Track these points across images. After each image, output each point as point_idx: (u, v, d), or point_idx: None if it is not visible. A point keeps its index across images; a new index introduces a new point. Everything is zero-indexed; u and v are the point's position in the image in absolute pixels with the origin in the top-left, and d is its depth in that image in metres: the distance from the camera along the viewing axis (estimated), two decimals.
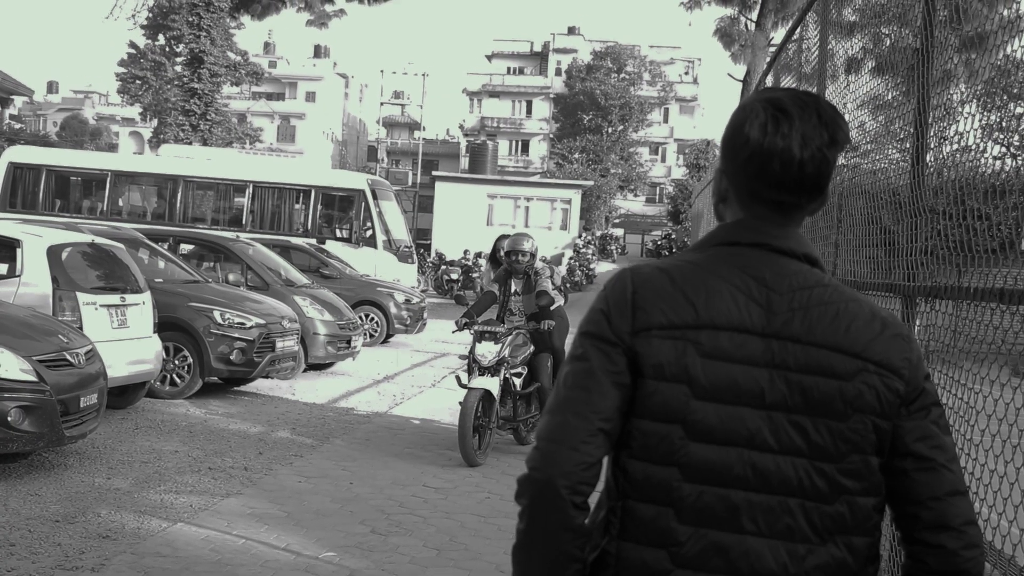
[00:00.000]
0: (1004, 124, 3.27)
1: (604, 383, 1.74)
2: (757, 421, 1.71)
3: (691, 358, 1.73)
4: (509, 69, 76.91)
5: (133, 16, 41.55)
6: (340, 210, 23.07)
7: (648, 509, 1.73)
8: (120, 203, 23.99)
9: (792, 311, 1.75)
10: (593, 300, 1.87)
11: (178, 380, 10.94)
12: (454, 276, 32.84)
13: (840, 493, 1.72)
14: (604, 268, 45.39)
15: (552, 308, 9.31)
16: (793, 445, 1.71)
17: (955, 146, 3.38)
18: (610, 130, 65.95)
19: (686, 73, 74.61)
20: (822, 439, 1.71)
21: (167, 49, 44.95)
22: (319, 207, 22.75)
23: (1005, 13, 3.17)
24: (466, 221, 40.21)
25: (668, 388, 1.73)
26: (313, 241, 20.69)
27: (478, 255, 35.19)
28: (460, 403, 8.70)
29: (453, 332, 9.44)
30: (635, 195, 69.20)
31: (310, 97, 77.35)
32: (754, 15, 31.84)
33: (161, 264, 12.25)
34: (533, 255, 9.42)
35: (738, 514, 1.70)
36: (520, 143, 73.30)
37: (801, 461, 1.71)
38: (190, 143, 35.28)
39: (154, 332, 10.02)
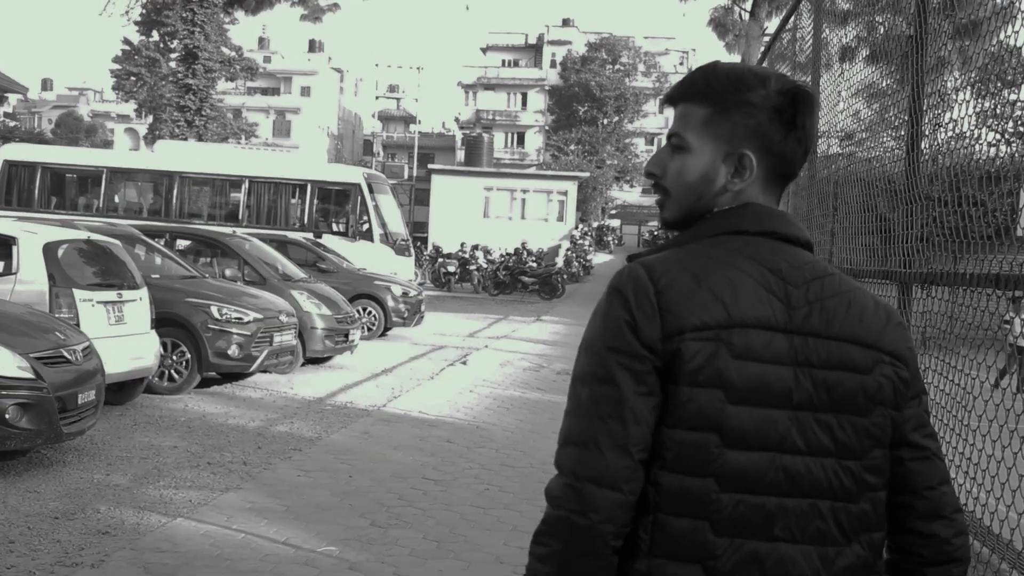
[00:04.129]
0: (998, 111, 3.27)
1: (639, 408, 1.61)
2: (786, 422, 1.65)
3: (724, 360, 1.62)
4: (504, 61, 76.77)
5: (127, 12, 41.54)
6: (336, 204, 23.05)
7: (682, 523, 1.62)
8: (116, 199, 23.96)
9: (809, 304, 1.68)
10: (601, 305, 1.69)
11: (176, 376, 10.94)
12: (451, 269, 32.90)
13: (864, 490, 1.68)
14: (601, 259, 45.40)
15: None
16: (821, 445, 1.66)
17: (949, 133, 3.38)
18: (605, 121, 65.91)
19: (681, 64, 74.56)
20: (847, 437, 1.67)
21: (161, 45, 44.84)
22: (315, 201, 22.74)
23: (998, 0, 3.17)
24: (463, 214, 40.19)
25: (702, 394, 1.62)
26: (310, 235, 20.67)
27: (475, 248, 35.23)
28: None
29: None
30: (631, 186, 69.19)
31: (305, 92, 77.19)
32: (748, 5, 31.75)
33: (158, 260, 12.24)
34: None
35: (772, 521, 1.64)
36: (516, 135, 73.20)
37: (829, 461, 1.66)
38: (185, 139, 35.28)
39: (151, 328, 10.02)
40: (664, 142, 1.84)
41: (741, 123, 1.75)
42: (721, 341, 1.62)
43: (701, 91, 1.79)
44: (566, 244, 38.90)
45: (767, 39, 17.91)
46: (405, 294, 18.25)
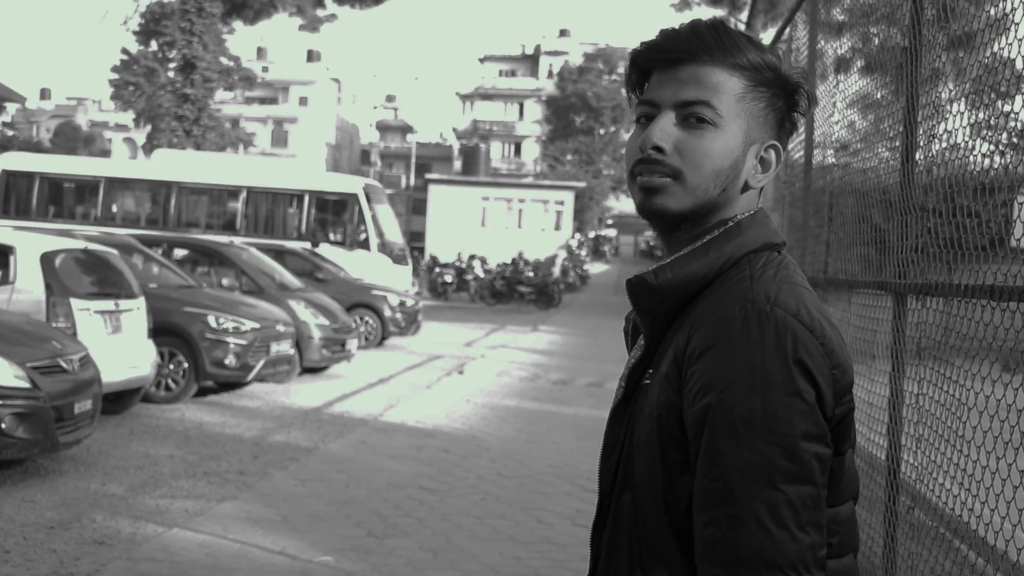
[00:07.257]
0: (992, 122, 3.28)
1: (825, 506, 1.32)
2: None
3: (851, 414, 1.40)
4: (501, 72, 76.96)
5: (125, 22, 41.62)
6: (334, 214, 23.03)
7: None
8: (114, 209, 23.94)
9: None
10: (765, 372, 1.28)
11: (173, 385, 10.94)
12: (448, 279, 32.91)
13: None
14: (597, 269, 45.44)
15: None
16: None
17: (944, 144, 3.40)
18: (602, 131, 66.06)
19: None
20: None
21: (160, 55, 44.86)
22: (313, 211, 22.72)
23: (992, 12, 3.18)
24: (460, 223, 40.27)
25: (850, 457, 1.42)
26: (307, 245, 20.67)
27: (472, 257, 35.27)
28: None
29: None
30: (628, 196, 69.24)
31: (303, 101, 77.25)
32: (744, 16, 31.86)
33: (155, 269, 12.25)
34: None
35: None
36: (513, 145, 73.32)
37: None
38: (184, 148, 35.27)
39: (148, 337, 10.02)
40: (669, 113, 1.42)
41: (772, 106, 1.45)
42: (851, 393, 1.40)
43: (730, 52, 1.42)
44: (563, 254, 38.96)
45: None
46: (402, 304, 18.27)
